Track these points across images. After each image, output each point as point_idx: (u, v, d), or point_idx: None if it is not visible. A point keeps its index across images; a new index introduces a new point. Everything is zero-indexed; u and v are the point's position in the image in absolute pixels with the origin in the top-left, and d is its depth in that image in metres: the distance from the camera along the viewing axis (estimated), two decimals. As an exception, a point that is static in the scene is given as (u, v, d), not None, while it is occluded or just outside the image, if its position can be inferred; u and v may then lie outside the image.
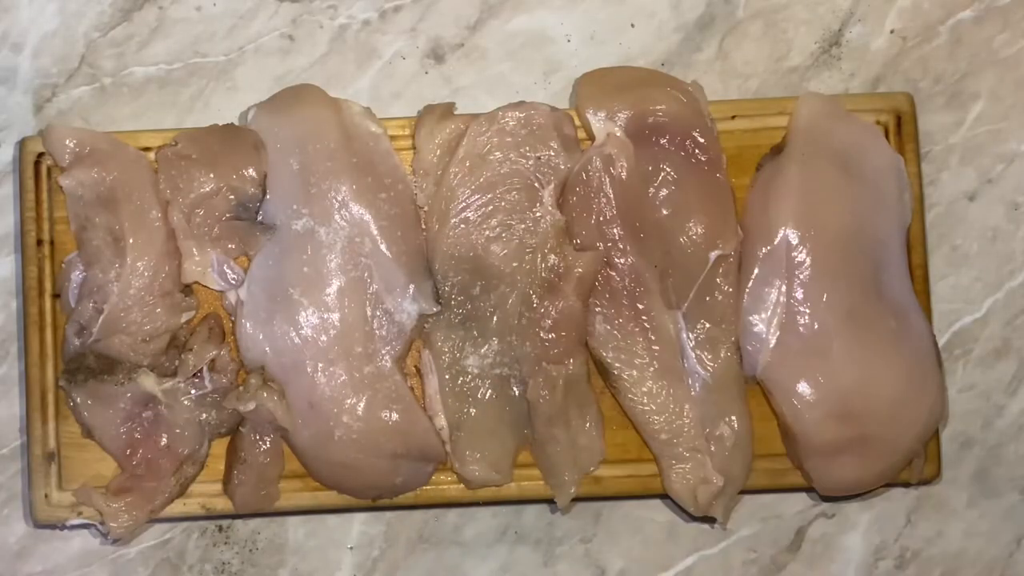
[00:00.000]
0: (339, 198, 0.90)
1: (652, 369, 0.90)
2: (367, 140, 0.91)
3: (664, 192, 0.91)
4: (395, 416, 0.89)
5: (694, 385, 0.90)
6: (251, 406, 0.88)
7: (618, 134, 0.91)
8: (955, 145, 0.97)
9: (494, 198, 0.91)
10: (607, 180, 0.90)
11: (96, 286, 0.89)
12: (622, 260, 0.90)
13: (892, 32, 0.97)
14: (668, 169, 0.91)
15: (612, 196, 0.90)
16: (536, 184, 0.91)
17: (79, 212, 0.90)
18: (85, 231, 0.90)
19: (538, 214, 0.91)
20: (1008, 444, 0.96)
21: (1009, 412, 0.96)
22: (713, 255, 0.90)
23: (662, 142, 0.91)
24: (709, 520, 0.93)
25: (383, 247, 0.90)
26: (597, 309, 0.90)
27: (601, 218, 0.90)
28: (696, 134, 0.91)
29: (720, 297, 0.90)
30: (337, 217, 0.90)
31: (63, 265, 0.91)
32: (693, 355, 0.90)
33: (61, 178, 0.90)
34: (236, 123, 0.93)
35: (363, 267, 0.90)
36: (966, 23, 0.98)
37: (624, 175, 0.90)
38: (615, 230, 0.90)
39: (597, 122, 0.92)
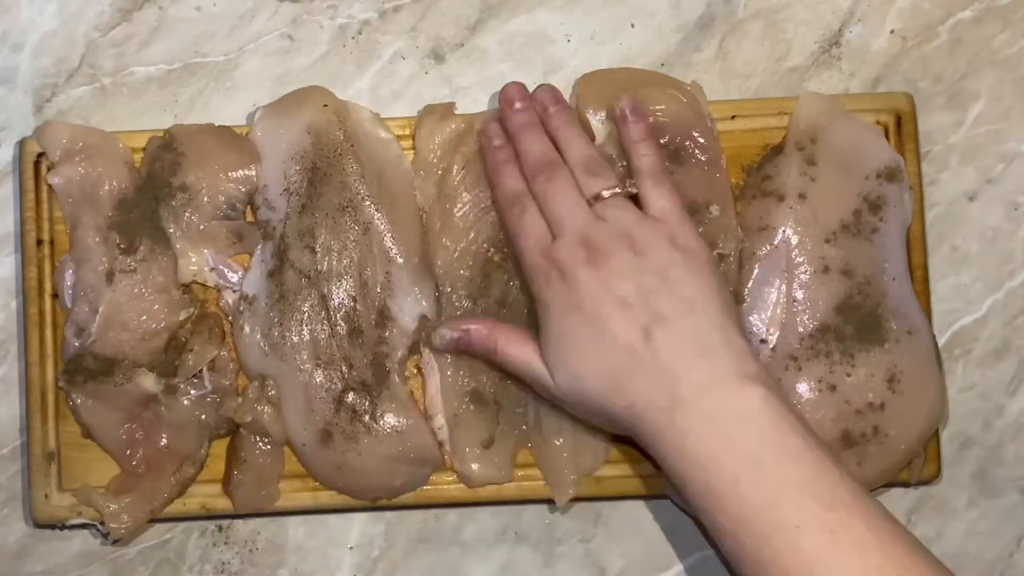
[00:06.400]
0: (344, 201, 0.90)
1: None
2: (376, 145, 0.91)
3: None
4: (394, 420, 0.89)
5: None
6: (247, 419, 0.88)
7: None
8: (955, 145, 0.97)
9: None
10: None
11: (89, 286, 0.89)
12: None
13: (892, 32, 0.97)
14: (668, 169, 0.91)
15: None
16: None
17: (70, 210, 0.90)
18: (76, 230, 0.90)
19: (538, 214, 0.91)
20: (1008, 444, 0.96)
21: (1009, 412, 0.96)
22: (713, 255, 0.90)
23: (662, 142, 0.91)
24: (709, 520, 0.93)
25: (388, 251, 0.90)
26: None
27: None
28: (696, 134, 0.91)
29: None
30: (342, 220, 0.90)
31: (57, 265, 0.91)
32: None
33: (49, 176, 0.90)
34: (243, 123, 0.93)
35: (366, 269, 0.90)
36: (966, 23, 0.98)
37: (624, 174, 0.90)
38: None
39: (597, 122, 0.92)
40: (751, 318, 0.90)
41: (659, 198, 0.84)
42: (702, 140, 0.91)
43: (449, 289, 0.90)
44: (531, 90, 0.91)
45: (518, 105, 0.89)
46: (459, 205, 0.91)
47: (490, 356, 0.86)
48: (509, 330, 0.85)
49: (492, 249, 0.90)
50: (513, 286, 0.90)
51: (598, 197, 0.83)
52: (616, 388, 0.80)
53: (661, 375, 0.78)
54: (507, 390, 0.90)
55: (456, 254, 0.91)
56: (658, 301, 0.79)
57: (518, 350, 0.84)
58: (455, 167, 0.91)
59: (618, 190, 0.84)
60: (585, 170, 0.85)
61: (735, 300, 0.90)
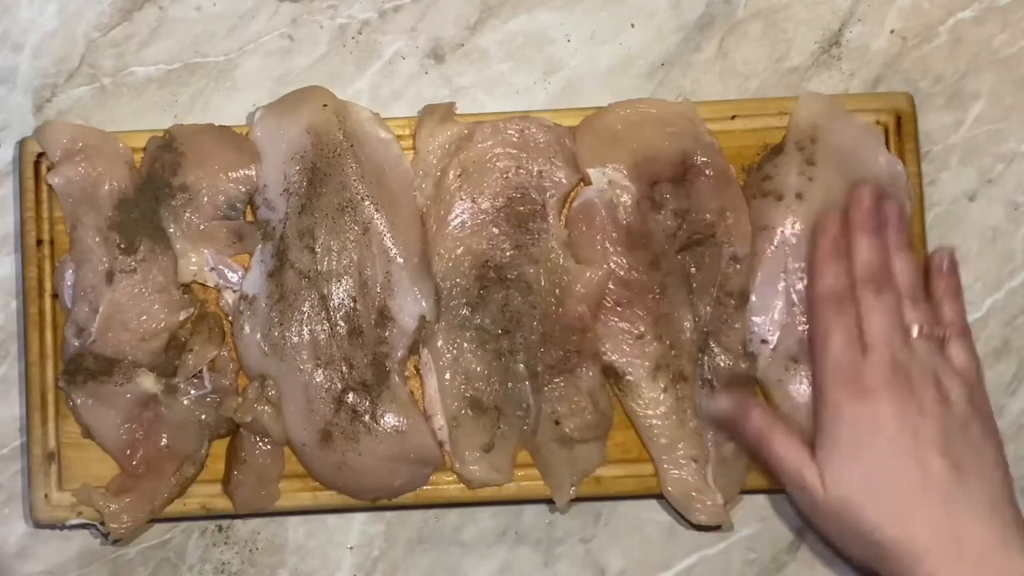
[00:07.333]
0: (344, 201, 0.90)
1: (663, 379, 0.90)
2: (376, 145, 0.91)
3: (675, 213, 0.91)
4: (394, 420, 0.89)
5: (703, 393, 0.90)
6: (247, 419, 0.88)
7: (623, 182, 0.90)
8: (955, 145, 0.97)
9: (494, 205, 0.91)
10: (609, 219, 0.90)
11: (89, 286, 0.89)
12: (632, 271, 0.90)
13: (892, 32, 0.97)
14: (679, 197, 0.91)
15: (618, 226, 0.90)
16: (535, 195, 0.91)
17: (70, 210, 0.90)
18: (76, 230, 0.90)
19: (540, 224, 0.90)
20: (1008, 444, 0.95)
21: (1009, 412, 0.96)
22: (728, 261, 0.90)
23: (667, 176, 0.91)
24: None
25: (388, 251, 0.90)
26: (611, 318, 0.90)
27: (608, 239, 0.90)
28: (698, 156, 0.91)
29: (733, 303, 0.90)
30: (342, 220, 0.90)
31: (57, 265, 0.91)
32: (705, 362, 0.90)
33: (49, 176, 0.90)
34: (243, 123, 0.93)
35: (366, 269, 0.90)
36: (966, 23, 0.98)
37: (629, 216, 0.90)
38: (621, 256, 0.90)
39: (597, 173, 0.91)
40: (752, 318, 0.90)
41: (962, 353, 0.86)
42: (706, 159, 0.91)
43: (447, 291, 0.90)
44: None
45: (868, 209, 0.88)
46: (454, 213, 0.91)
47: (758, 446, 0.85)
48: (786, 428, 0.85)
49: (488, 263, 0.90)
50: (508, 296, 0.90)
51: (913, 329, 0.85)
52: (897, 518, 0.80)
53: (952, 523, 0.79)
54: (507, 395, 0.90)
55: (451, 263, 0.90)
56: (959, 452, 0.81)
57: (792, 451, 0.83)
58: (451, 172, 0.91)
59: (935, 330, 0.86)
60: (911, 298, 0.86)
61: (744, 299, 0.90)
